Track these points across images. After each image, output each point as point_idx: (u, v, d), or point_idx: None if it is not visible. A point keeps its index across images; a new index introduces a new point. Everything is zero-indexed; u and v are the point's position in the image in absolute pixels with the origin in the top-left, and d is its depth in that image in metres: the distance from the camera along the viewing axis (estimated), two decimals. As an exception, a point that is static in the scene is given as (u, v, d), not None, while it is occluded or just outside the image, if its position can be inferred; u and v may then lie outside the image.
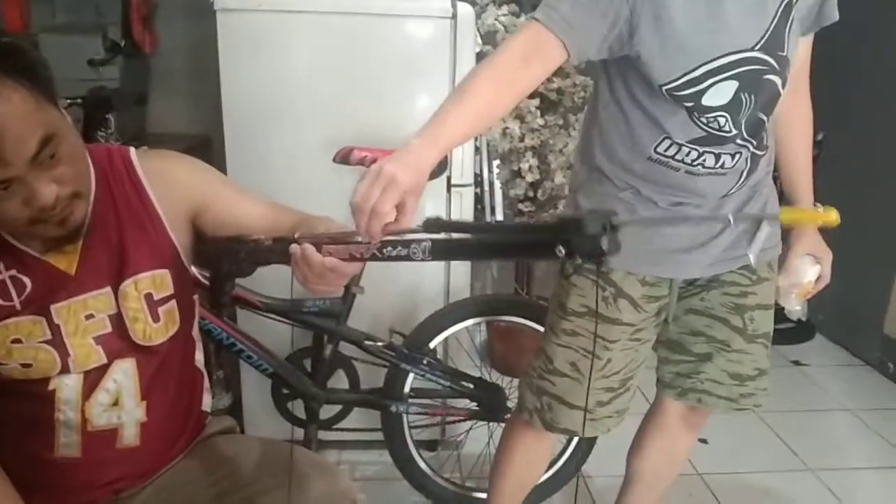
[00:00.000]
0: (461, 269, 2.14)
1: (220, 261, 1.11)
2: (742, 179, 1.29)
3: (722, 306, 1.38)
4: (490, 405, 1.94)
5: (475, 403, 1.94)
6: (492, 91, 1.08)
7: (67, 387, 1.09)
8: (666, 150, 1.24)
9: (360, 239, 0.94)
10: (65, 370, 1.08)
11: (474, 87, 1.07)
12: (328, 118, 1.94)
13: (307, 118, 1.95)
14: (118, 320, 1.11)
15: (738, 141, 1.23)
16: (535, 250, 0.95)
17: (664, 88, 1.17)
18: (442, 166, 1.91)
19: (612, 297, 1.33)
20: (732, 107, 1.18)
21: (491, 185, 2.75)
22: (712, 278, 1.37)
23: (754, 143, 1.25)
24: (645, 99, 1.22)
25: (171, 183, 1.16)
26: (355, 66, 1.92)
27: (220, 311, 1.13)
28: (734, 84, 1.16)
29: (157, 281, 1.13)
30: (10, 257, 1.06)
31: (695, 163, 1.24)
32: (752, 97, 1.18)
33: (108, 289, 1.10)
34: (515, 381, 1.56)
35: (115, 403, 1.12)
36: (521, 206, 2.65)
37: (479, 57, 2.00)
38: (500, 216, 2.82)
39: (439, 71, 1.92)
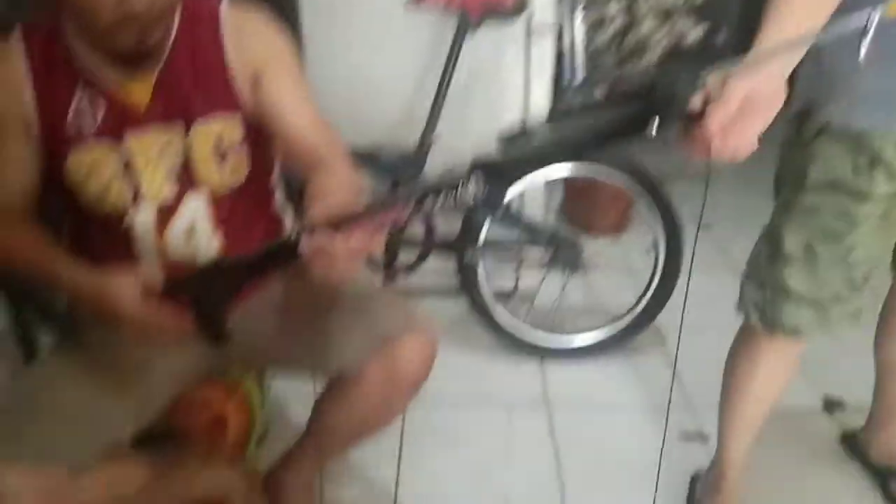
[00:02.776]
0: (540, 117, 2.08)
1: (207, 291, 1.04)
2: None
3: None
4: (565, 254, 1.94)
5: (550, 253, 1.95)
6: None
7: (142, 219, 1.14)
8: None
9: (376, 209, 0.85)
10: (138, 202, 1.13)
11: None
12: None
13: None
14: (188, 159, 1.14)
15: None
16: (622, 136, 0.78)
17: None
18: (519, 5, 1.82)
19: (866, 166, 1.08)
20: None
21: (572, 42, 2.61)
22: None
23: None
24: None
25: (246, 40, 1.15)
26: None
27: (219, 342, 1.09)
28: None
29: (228, 126, 1.15)
30: (87, 83, 1.09)
31: None
32: None
33: (180, 127, 1.13)
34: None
35: (190, 236, 1.16)
36: (604, 56, 2.51)
37: None
38: (580, 75, 2.70)
39: None
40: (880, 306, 1.43)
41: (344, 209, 0.89)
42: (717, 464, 1.45)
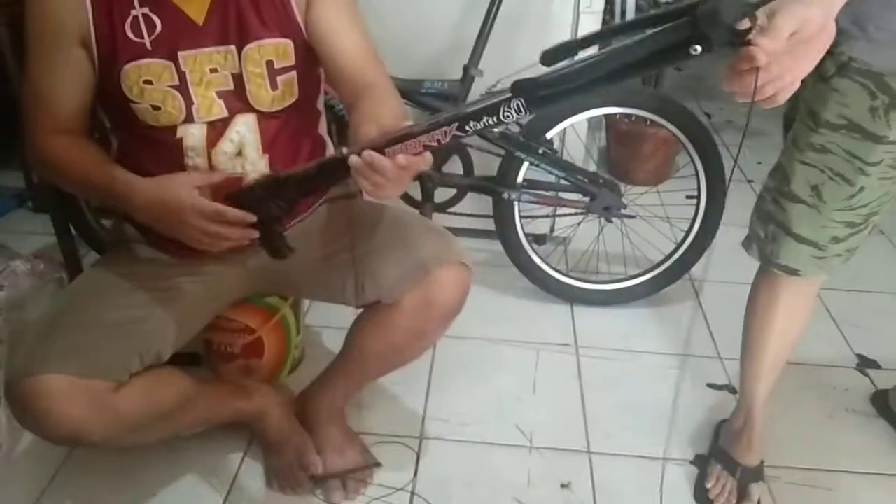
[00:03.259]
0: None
1: (264, 205, 1.08)
2: None
3: None
4: (603, 201, 1.92)
5: (588, 198, 1.93)
6: None
7: (193, 135, 1.15)
8: None
9: (418, 131, 0.86)
10: (189, 119, 1.14)
11: None
12: None
13: None
14: (239, 80, 1.14)
15: None
16: (663, 58, 0.74)
17: None
18: (575, -63, 1.75)
19: (883, 109, 1.05)
20: None
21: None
22: None
23: None
24: None
25: None
26: None
27: (280, 255, 1.11)
28: None
29: (280, 50, 1.15)
30: None
31: None
32: None
33: (233, 47, 1.13)
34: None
35: (239, 154, 1.18)
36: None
37: None
38: (631, 12, 2.61)
39: None
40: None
41: (391, 130, 0.90)
42: (740, 408, 1.46)
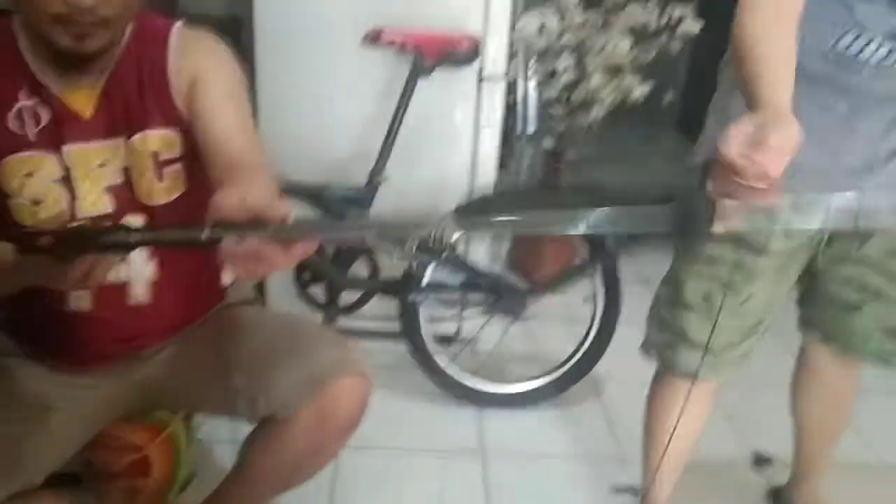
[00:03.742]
0: (488, 166, 2.11)
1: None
2: None
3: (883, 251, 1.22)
4: (508, 301, 1.95)
5: (493, 298, 1.95)
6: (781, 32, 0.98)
7: None
8: (849, 46, 1.07)
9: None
10: (73, 216, 1.09)
11: (766, 41, 0.98)
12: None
13: (338, -1, 1.89)
14: (128, 174, 1.12)
15: None
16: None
17: None
18: (471, 53, 1.86)
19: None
20: None
21: (525, 92, 2.68)
22: None
23: None
24: None
25: (188, 52, 1.14)
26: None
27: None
28: None
29: (166, 141, 1.13)
30: (29, 88, 1.06)
31: (882, 63, 1.06)
32: None
33: (122, 140, 1.11)
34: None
35: (123, 258, 1.12)
36: (553, 109, 2.58)
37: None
38: (532, 127, 2.76)
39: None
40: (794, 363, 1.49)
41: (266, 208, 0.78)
42: None
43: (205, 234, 0.77)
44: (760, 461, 1.86)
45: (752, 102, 0.94)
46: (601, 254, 1.92)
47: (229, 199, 0.79)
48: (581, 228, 0.75)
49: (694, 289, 1.23)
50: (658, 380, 1.38)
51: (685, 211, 0.74)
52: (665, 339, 1.29)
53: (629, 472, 1.77)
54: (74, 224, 1.02)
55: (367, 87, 1.97)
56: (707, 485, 1.75)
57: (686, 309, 1.24)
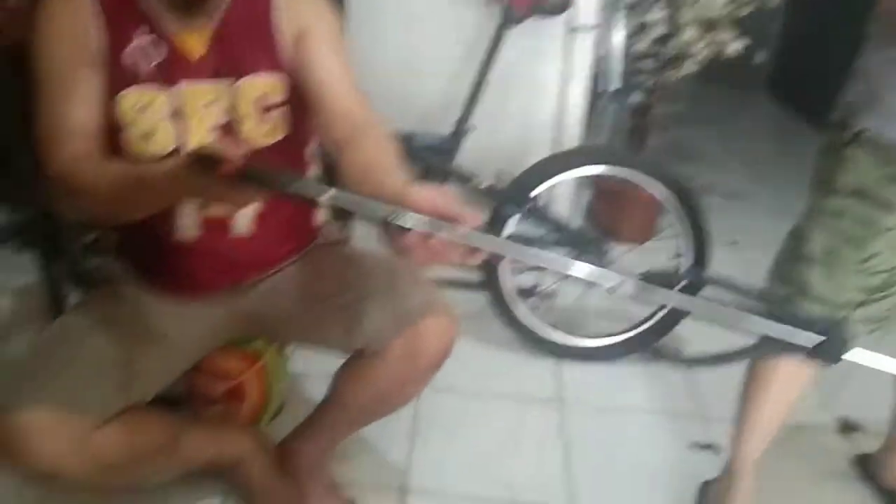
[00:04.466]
0: (574, 118, 2.09)
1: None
2: None
3: None
4: (589, 256, 1.94)
5: (575, 252, 1.95)
6: None
7: None
8: None
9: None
10: (180, 150, 1.14)
11: None
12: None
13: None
14: (232, 114, 1.16)
15: None
16: (772, 343, 0.85)
17: None
18: (563, 4, 1.83)
19: (894, 178, 1.12)
20: None
21: (611, 47, 2.61)
22: None
23: None
24: None
25: (292, 6, 1.18)
26: None
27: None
28: None
29: (271, 85, 1.17)
30: (147, 26, 1.11)
31: None
32: None
33: (229, 81, 1.15)
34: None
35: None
36: (642, 63, 2.51)
37: None
38: (617, 83, 2.70)
39: None
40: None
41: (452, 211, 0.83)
42: (728, 471, 1.45)
43: (391, 217, 0.83)
44: (847, 428, 1.81)
45: None
46: (689, 212, 1.88)
47: (424, 196, 0.84)
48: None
49: (818, 242, 1.21)
50: None
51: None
52: (786, 293, 1.26)
53: (709, 430, 1.76)
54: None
55: (455, 36, 1.97)
56: (790, 446, 1.72)
57: (808, 262, 1.22)
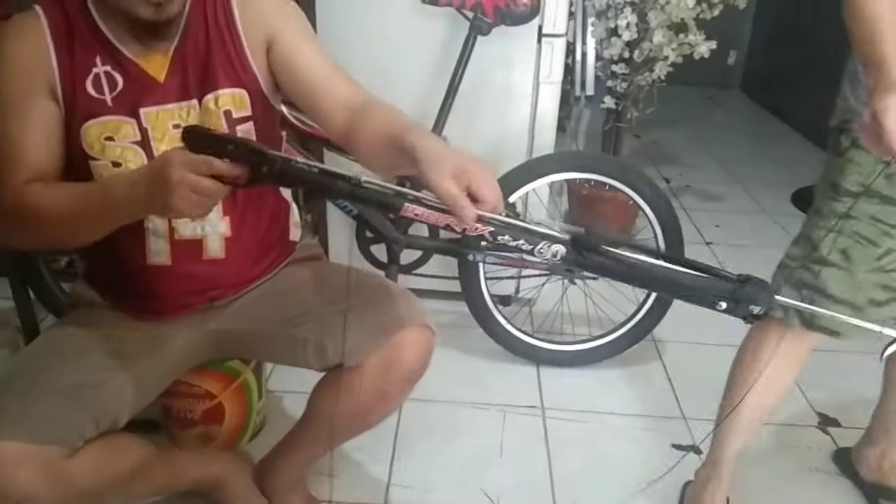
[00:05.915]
0: (547, 124, 2.10)
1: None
2: None
3: None
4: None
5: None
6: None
7: None
8: None
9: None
10: None
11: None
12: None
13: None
14: None
15: None
16: (692, 295, 0.87)
17: None
18: (533, 9, 1.83)
19: None
20: None
21: (584, 53, 2.63)
22: None
23: None
24: None
25: (256, 9, 1.17)
26: None
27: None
28: None
29: (237, 99, 1.16)
30: (106, 54, 1.10)
31: None
32: None
33: (194, 101, 1.14)
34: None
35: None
36: (614, 67, 2.53)
37: None
38: (590, 88, 2.72)
39: None
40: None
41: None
42: (709, 461, 1.46)
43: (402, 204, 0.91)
44: (827, 422, 1.83)
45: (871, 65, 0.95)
46: (662, 214, 1.90)
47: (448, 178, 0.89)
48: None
49: (829, 244, 1.22)
50: (757, 333, 1.35)
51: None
52: (804, 297, 1.25)
53: (689, 431, 1.77)
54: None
55: (426, 46, 1.97)
56: (771, 442, 1.74)
57: (823, 265, 1.23)
